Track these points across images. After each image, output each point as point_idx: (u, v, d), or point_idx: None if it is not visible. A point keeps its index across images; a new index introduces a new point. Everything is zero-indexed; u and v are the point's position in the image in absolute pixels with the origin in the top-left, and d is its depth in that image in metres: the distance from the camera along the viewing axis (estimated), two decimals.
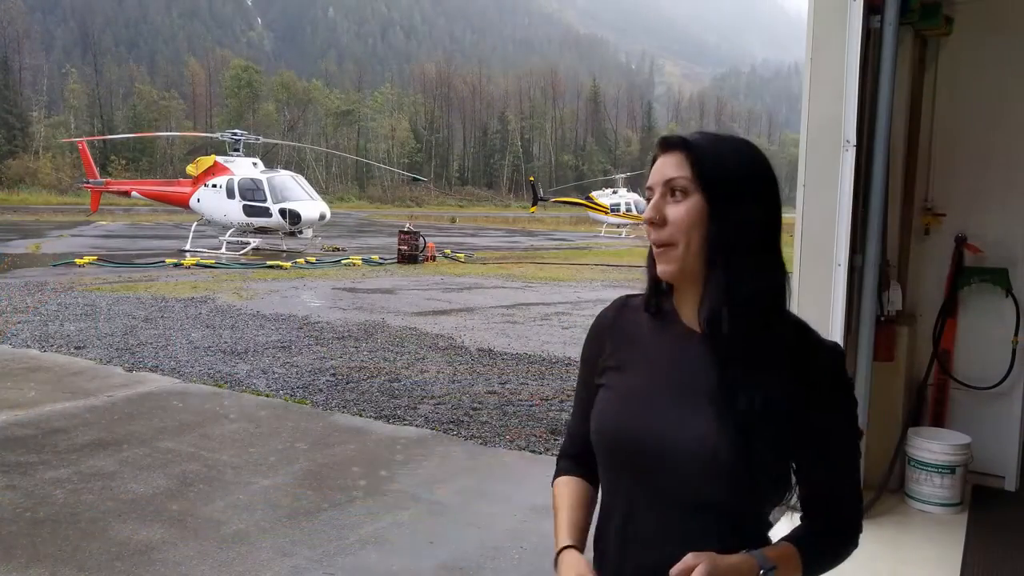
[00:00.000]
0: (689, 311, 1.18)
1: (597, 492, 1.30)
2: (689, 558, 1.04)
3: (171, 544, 3.77)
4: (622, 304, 1.30)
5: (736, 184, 1.13)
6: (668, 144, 1.17)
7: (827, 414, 1.15)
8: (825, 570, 1.20)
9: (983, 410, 3.99)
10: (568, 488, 1.31)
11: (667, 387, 1.16)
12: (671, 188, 1.14)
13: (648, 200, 1.18)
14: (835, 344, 1.19)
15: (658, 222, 1.13)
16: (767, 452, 1.09)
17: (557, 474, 1.35)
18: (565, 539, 1.23)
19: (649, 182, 1.18)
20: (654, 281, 1.22)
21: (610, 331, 1.27)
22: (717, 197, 1.12)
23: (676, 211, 1.13)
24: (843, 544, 1.22)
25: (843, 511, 1.21)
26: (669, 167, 1.15)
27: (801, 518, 1.23)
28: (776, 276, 1.14)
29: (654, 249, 1.16)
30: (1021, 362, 3.90)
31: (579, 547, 1.22)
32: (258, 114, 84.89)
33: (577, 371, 1.36)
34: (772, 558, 1.10)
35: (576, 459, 1.32)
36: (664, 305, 1.23)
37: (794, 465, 1.18)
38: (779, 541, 1.17)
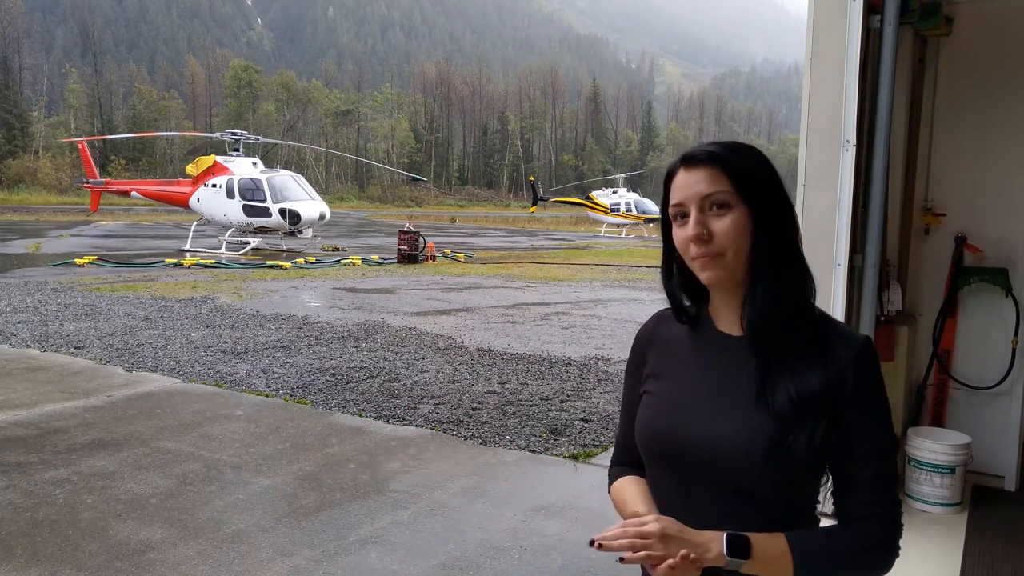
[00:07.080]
0: (726, 317, 1.24)
1: None
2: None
3: (171, 544, 3.77)
4: (659, 316, 1.37)
5: (770, 192, 1.19)
6: (694, 160, 1.19)
7: (857, 409, 1.16)
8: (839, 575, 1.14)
9: (983, 410, 3.99)
10: (630, 481, 1.34)
11: (705, 390, 1.21)
12: (710, 203, 1.17)
13: (672, 214, 1.21)
14: (866, 337, 1.20)
15: (706, 237, 1.17)
16: (801, 446, 1.12)
17: (613, 479, 1.39)
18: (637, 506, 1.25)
19: (678, 199, 1.20)
20: (674, 295, 1.28)
21: (650, 342, 1.34)
22: (759, 207, 1.17)
23: (722, 224, 1.16)
24: (863, 553, 1.14)
25: (869, 513, 1.15)
26: (702, 183, 1.17)
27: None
28: (808, 276, 1.21)
29: (699, 260, 1.18)
30: (1021, 362, 3.90)
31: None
32: (258, 114, 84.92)
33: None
34: (753, 546, 1.08)
35: (631, 467, 1.37)
36: (699, 314, 1.29)
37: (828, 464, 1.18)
38: (778, 534, 1.12)
